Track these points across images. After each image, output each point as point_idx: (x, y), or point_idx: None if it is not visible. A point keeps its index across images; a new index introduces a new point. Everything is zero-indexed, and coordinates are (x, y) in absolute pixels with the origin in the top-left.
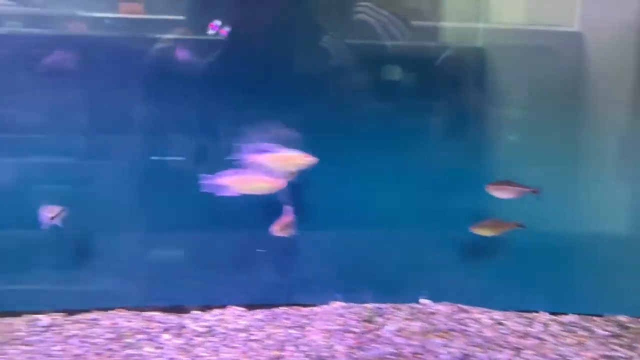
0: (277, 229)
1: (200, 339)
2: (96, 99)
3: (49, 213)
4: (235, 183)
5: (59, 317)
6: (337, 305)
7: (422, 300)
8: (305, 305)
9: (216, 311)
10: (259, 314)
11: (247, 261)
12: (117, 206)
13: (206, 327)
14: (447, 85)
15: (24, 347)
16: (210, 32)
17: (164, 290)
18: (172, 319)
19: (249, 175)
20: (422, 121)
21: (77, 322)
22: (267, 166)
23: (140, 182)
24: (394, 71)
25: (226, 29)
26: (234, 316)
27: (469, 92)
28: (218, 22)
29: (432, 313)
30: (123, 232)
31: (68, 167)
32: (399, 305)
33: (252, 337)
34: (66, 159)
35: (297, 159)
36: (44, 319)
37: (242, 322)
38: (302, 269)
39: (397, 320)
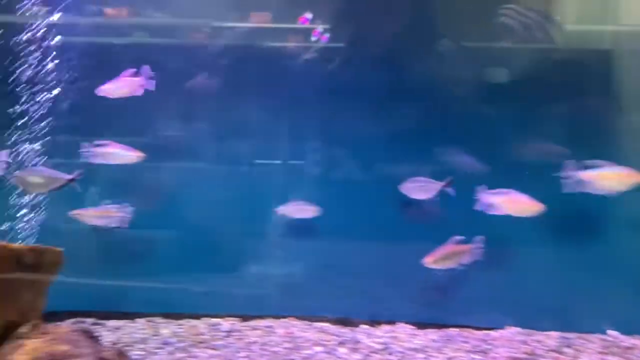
0: (431, 261)
1: (377, 356)
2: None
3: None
4: (502, 203)
5: (236, 322)
6: (514, 330)
7: (610, 332)
8: (477, 328)
9: (386, 327)
10: (432, 333)
11: (417, 278)
12: None
13: (381, 343)
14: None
15: (210, 351)
16: (313, 39)
17: (334, 301)
18: (345, 332)
19: (515, 196)
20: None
21: (255, 328)
22: (596, 185)
23: (333, 191)
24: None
25: (327, 35)
26: (406, 334)
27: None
28: (320, 29)
29: (629, 348)
30: (303, 240)
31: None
32: (586, 336)
33: (432, 359)
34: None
35: (629, 177)
36: (224, 323)
37: (417, 342)
38: (475, 290)
39: (590, 353)
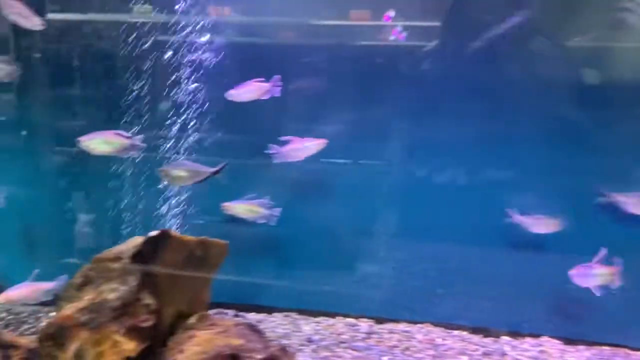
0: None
1: None
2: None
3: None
4: None
5: (373, 324)
6: None
7: None
8: (633, 349)
9: (531, 340)
10: (584, 351)
11: (562, 290)
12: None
13: (530, 357)
14: None
15: (353, 352)
16: (392, 38)
17: (471, 310)
18: (488, 342)
19: None
20: None
21: (392, 332)
22: None
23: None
24: None
25: (404, 34)
26: (556, 349)
27: None
28: (399, 28)
29: None
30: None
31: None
32: None
33: None
34: None
35: None
36: (361, 324)
37: (569, 359)
38: (628, 306)
39: None
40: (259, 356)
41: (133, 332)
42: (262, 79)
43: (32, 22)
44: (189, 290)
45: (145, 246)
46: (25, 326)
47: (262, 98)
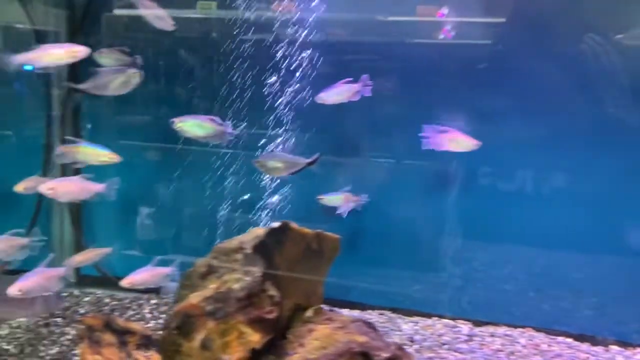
0: None
1: None
2: None
3: None
4: None
5: (472, 327)
6: None
7: None
8: None
9: None
10: None
11: None
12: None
13: None
14: None
15: (457, 355)
16: (441, 37)
17: (572, 316)
18: (598, 351)
19: None
20: None
21: (493, 335)
22: None
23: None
24: None
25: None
26: None
27: None
28: (448, 26)
29: None
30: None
31: None
32: None
33: None
34: None
35: None
36: (461, 326)
37: None
38: None
39: None
40: (385, 355)
41: (258, 323)
42: (350, 79)
43: (166, 23)
44: (306, 283)
45: (268, 237)
46: (130, 312)
47: (353, 99)
